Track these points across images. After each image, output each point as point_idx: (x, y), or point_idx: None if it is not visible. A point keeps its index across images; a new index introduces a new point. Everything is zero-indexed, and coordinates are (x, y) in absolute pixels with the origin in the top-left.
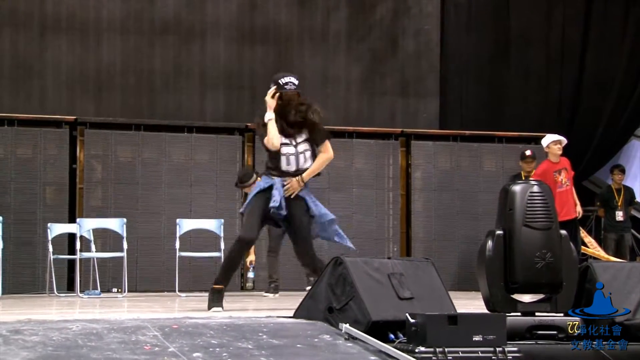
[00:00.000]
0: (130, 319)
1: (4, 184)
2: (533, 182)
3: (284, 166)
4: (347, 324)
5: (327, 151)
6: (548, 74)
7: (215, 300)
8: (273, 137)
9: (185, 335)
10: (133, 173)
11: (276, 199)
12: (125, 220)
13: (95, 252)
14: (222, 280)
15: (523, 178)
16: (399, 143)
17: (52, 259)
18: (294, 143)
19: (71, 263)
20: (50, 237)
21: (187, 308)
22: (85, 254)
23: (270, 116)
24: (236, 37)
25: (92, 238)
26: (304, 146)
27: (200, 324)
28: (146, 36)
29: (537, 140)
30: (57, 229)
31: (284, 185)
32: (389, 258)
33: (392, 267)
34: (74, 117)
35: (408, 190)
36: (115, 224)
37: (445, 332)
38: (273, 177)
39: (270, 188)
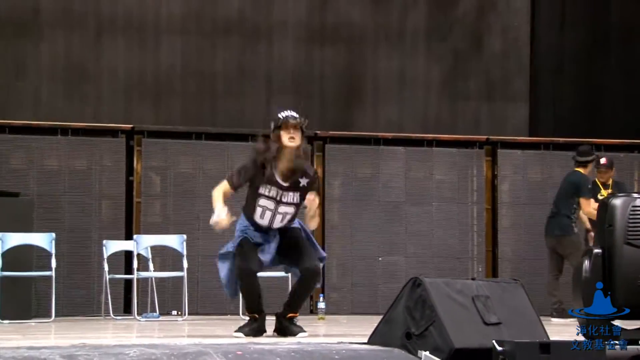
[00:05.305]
0: (191, 344)
1: (56, 198)
2: (636, 195)
3: (257, 217)
4: (427, 352)
5: None
6: None
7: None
8: (215, 199)
9: None
10: (194, 186)
11: (267, 250)
12: (185, 237)
13: (154, 271)
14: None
15: (600, 186)
16: (484, 152)
17: (107, 279)
18: (277, 198)
19: (128, 283)
20: (105, 255)
21: None
22: (143, 274)
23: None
24: (305, 37)
25: (150, 256)
26: (287, 209)
27: (267, 350)
28: (208, 37)
29: None
30: (112, 247)
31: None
32: (473, 279)
33: (477, 289)
34: (131, 126)
35: (494, 204)
36: (175, 241)
37: None
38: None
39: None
